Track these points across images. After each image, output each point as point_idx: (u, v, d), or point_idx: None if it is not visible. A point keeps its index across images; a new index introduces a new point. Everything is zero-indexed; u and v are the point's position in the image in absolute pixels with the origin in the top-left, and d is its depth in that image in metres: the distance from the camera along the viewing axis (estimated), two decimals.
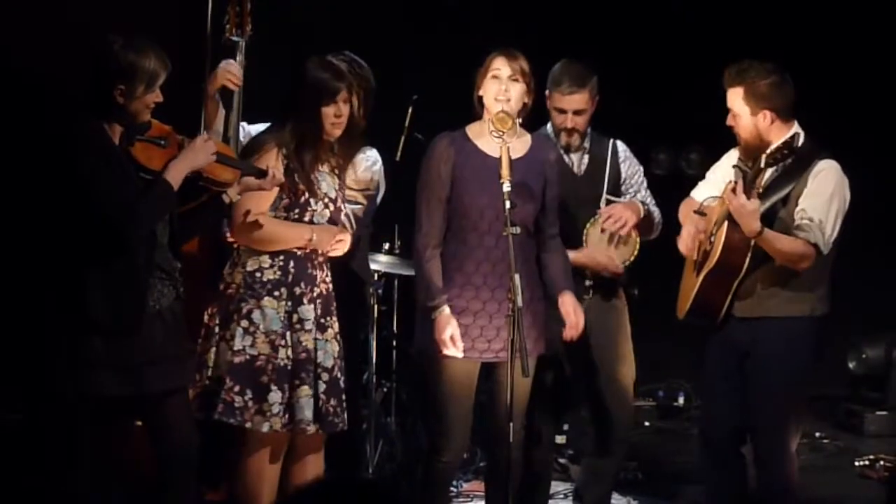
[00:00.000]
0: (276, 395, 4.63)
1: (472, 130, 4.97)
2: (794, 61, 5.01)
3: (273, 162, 4.67)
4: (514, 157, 4.77)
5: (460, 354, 4.84)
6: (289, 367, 4.67)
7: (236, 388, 4.62)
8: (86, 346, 4.28)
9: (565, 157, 5.40)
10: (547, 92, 5.36)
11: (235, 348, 4.65)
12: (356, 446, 5.57)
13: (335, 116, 4.75)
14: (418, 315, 4.98)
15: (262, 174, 4.58)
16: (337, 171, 4.89)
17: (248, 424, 4.63)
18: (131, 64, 4.28)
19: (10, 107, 6.09)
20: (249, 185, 4.61)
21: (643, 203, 5.43)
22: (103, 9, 6.06)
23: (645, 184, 5.53)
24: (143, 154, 4.39)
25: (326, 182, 4.81)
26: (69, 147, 4.29)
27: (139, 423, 4.71)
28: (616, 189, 5.44)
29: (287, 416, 4.66)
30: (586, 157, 5.44)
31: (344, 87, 4.76)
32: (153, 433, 4.54)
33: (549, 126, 5.44)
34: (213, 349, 4.70)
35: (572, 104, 5.33)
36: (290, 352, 4.68)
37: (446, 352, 4.83)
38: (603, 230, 5.32)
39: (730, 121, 4.97)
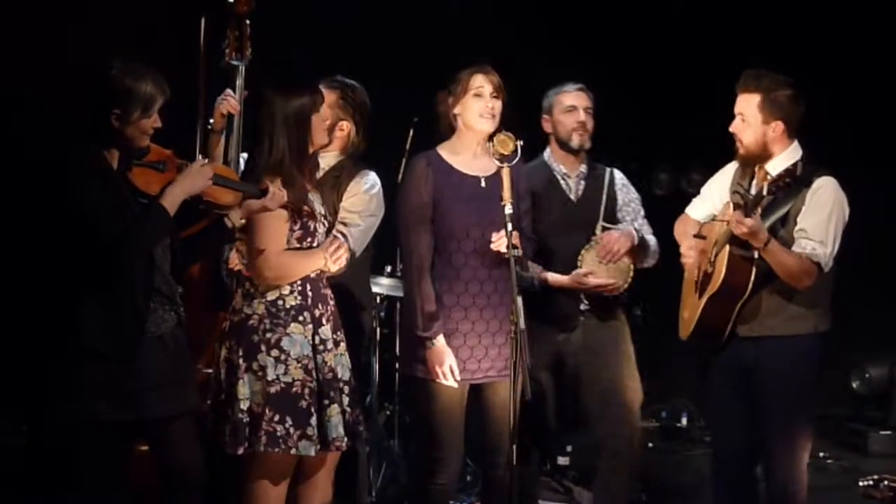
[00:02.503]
0: (314, 419, 4.63)
1: (445, 150, 4.98)
2: (798, 79, 5.01)
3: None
4: (487, 175, 4.85)
5: (456, 385, 4.85)
6: (317, 389, 4.66)
7: (276, 418, 4.58)
8: (84, 372, 4.25)
9: (562, 181, 5.48)
10: (548, 106, 5.46)
11: (269, 378, 4.60)
12: (359, 469, 5.55)
13: (322, 122, 4.74)
14: (405, 339, 4.97)
15: (262, 193, 4.56)
16: (318, 186, 4.88)
17: (293, 451, 4.59)
18: (127, 88, 4.26)
19: (8, 131, 6.11)
20: (252, 208, 4.58)
21: (638, 231, 5.46)
22: (102, 34, 6.09)
23: (642, 213, 5.58)
24: (142, 179, 4.37)
25: (316, 201, 4.80)
26: (66, 171, 4.27)
27: (144, 447, 4.70)
28: (612, 216, 5.49)
29: (319, 436, 4.66)
30: (583, 182, 5.50)
31: (319, 94, 4.75)
32: (159, 457, 4.52)
33: (546, 153, 5.53)
34: (241, 381, 4.63)
35: (582, 101, 5.45)
36: (315, 373, 4.67)
37: (444, 382, 4.83)
38: (598, 256, 5.35)
39: (736, 126, 4.94)
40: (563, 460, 6.77)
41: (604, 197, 5.48)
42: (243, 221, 4.60)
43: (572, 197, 5.47)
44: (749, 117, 4.91)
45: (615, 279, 5.34)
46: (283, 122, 4.64)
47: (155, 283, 4.38)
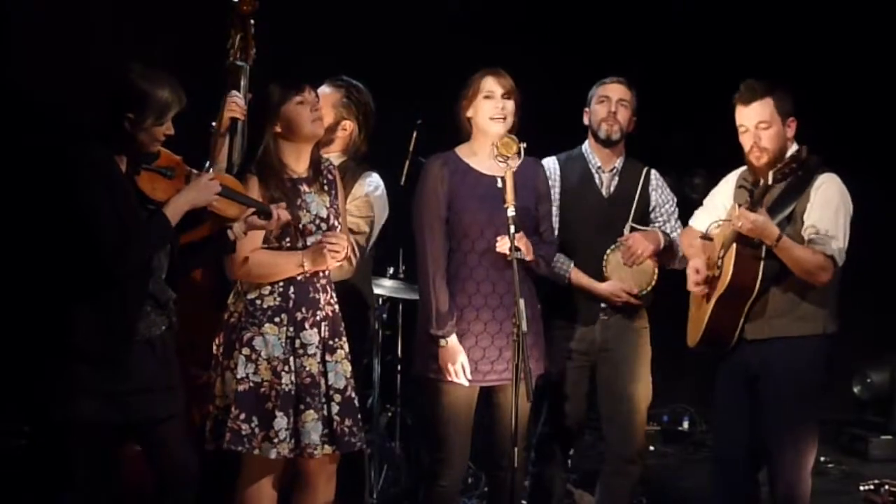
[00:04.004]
0: (281, 421, 4.62)
1: (463, 151, 5.00)
2: (800, 83, 5.01)
3: (255, 193, 4.66)
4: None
5: (466, 383, 4.86)
6: (293, 393, 4.65)
7: (242, 416, 4.61)
8: (74, 373, 4.24)
9: (595, 175, 5.46)
10: (588, 99, 5.49)
11: (239, 376, 4.63)
12: (361, 471, 5.55)
13: (312, 111, 4.74)
14: (418, 339, 4.97)
15: (267, 216, 4.57)
16: (326, 188, 4.85)
17: (256, 451, 4.61)
18: (144, 93, 4.23)
19: (18, 129, 6.11)
20: (254, 225, 4.58)
21: (668, 234, 5.45)
22: (117, 37, 6.10)
23: (676, 214, 5.55)
24: (148, 184, 4.36)
25: (315, 202, 4.78)
26: (71, 172, 4.25)
27: (139, 447, 4.70)
28: (644, 216, 5.48)
29: (293, 441, 4.65)
30: (616, 178, 5.48)
31: (303, 83, 4.75)
32: (151, 457, 4.52)
33: (584, 145, 5.52)
34: (219, 378, 4.69)
35: (615, 92, 5.46)
36: (293, 377, 4.66)
37: (454, 380, 4.84)
38: (622, 258, 5.36)
39: (756, 134, 4.89)
40: None
41: (636, 196, 5.47)
42: (245, 235, 4.60)
43: (604, 192, 5.46)
44: (772, 121, 4.89)
45: (638, 282, 5.34)
46: (260, 117, 4.72)
47: (149, 289, 4.37)
